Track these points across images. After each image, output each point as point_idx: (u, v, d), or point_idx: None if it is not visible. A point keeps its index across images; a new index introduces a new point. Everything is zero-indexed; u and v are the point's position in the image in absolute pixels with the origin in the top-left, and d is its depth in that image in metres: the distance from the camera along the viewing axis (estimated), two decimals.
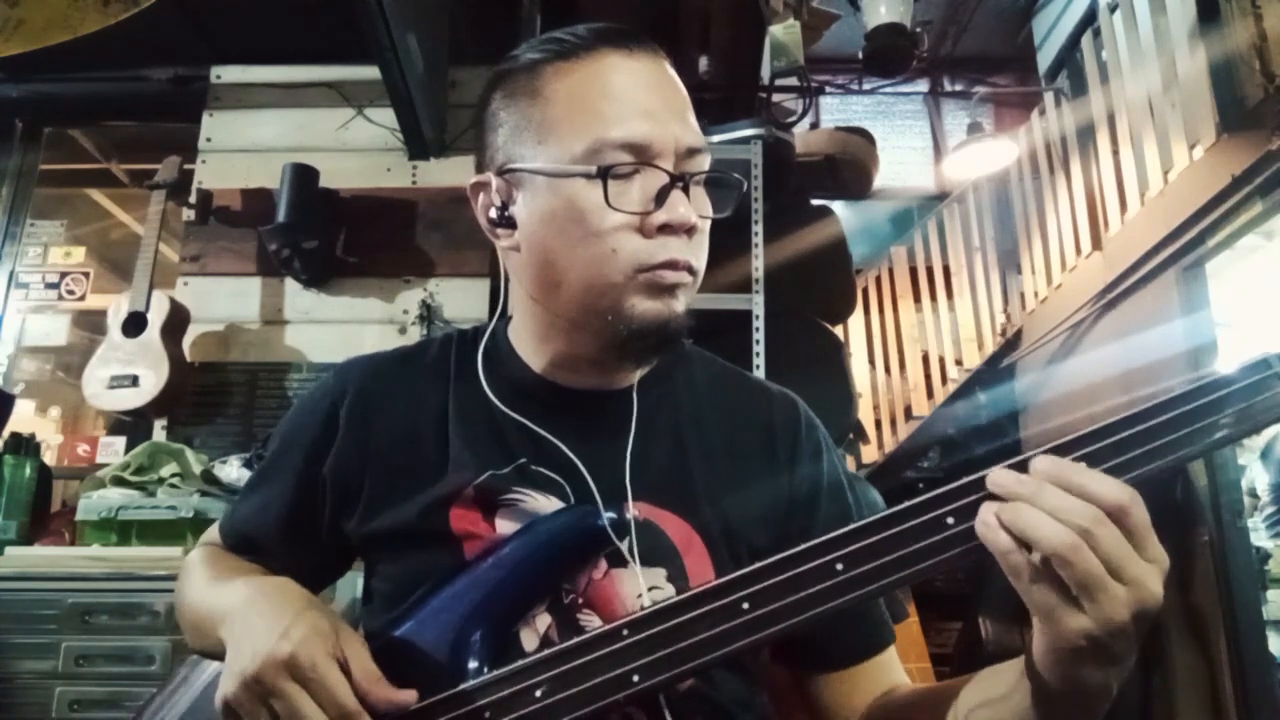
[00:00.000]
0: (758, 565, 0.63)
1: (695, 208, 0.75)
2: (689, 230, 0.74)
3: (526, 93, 0.77)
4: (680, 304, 0.75)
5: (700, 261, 0.77)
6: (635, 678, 0.64)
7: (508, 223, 0.79)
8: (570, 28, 0.78)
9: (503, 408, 0.81)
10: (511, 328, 0.87)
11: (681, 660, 0.63)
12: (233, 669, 0.66)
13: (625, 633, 0.65)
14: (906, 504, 0.61)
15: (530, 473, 0.79)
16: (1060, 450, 0.58)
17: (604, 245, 0.73)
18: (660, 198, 0.73)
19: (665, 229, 0.73)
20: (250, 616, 0.69)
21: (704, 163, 0.77)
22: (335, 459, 0.83)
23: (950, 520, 0.60)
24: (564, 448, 0.79)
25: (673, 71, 0.79)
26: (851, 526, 0.62)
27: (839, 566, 0.61)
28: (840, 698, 0.81)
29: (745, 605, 0.63)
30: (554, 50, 0.76)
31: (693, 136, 0.76)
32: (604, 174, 0.72)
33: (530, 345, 0.84)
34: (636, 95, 0.74)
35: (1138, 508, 0.54)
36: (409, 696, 0.68)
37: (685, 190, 0.74)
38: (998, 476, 0.58)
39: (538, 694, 0.66)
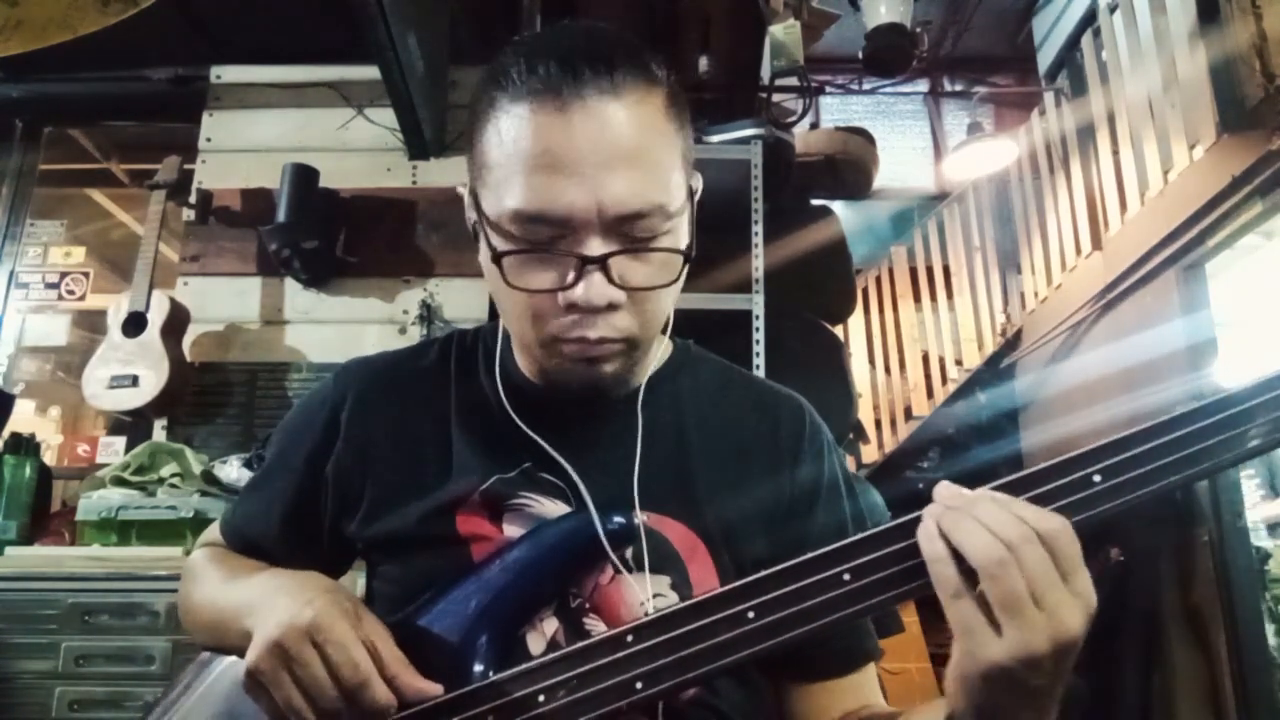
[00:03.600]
0: (764, 573, 0.63)
1: (632, 277, 0.69)
2: (609, 307, 0.69)
3: (484, 120, 0.71)
4: (608, 367, 0.73)
5: (637, 326, 0.72)
6: (639, 684, 0.64)
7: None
8: (548, 44, 0.70)
9: (509, 410, 0.81)
10: None
11: (685, 668, 0.63)
12: (258, 639, 0.66)
13: (630, 639, 0.65)
14: (915, 515, 0.60)
15: (536, 477, 0.79)
16: (1089, 458, 0.58)
17: (521, 313, 0.72)
18: (578, 274, 0.68)
19: (574, 308, 0.69)
20: (278, 597, 0.70)
21: (655, 225, 0.69)
22: (336, 463, 0.83)
23: None
24: (563, 461, 0.78)
25: (649, 110, 0.69)
26: (861, 535, 0.61)
27: (846, 577, 0.61)
28: (814, 710, 0.80)
29: (750, 614, 0.62)
30: (500, 82, 0.70)
31: (635, 200, 0.67)
32: (499, 259, 0.69)
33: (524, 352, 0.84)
34: (565, 162, 0.66)
35: (1068, 537, 0.54)
36: (435, 688, 0.68)
37: (606, 266, 0.68)
38: (942, 488, 0.59)
39: (541, 699, 0.66)
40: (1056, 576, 0.53)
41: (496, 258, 0.69)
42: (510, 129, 0.69)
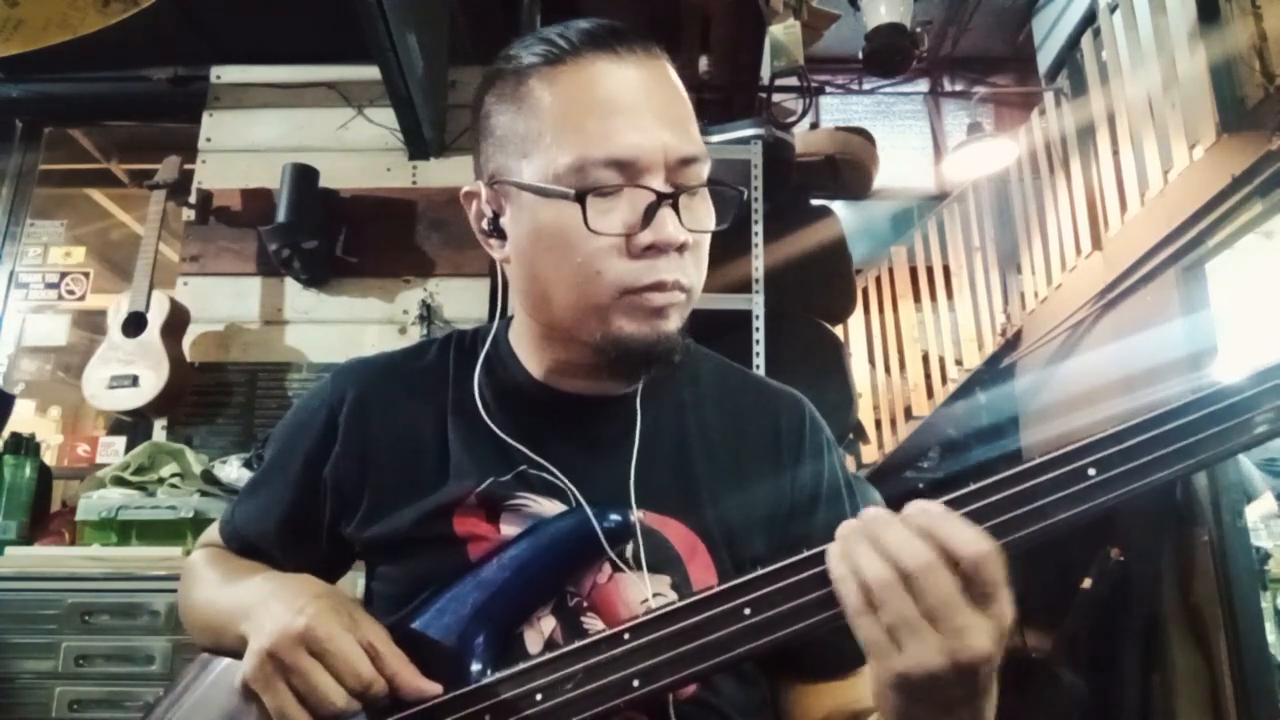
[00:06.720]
0: (761, 571, 0.63)
1: (691, 220, 0.72)
2: (680, 248, 0.71)
3: (513, 100, 0.74)
4: (671, 323, 0.73)
5: (695, 277, 0.74)
6: (636, 682, 0.63)
7: (499, 233, 0.78)
8: (562, 26, 0.74)
9: (491, 426, 0.80)
10: (513, 330, 0.86)
11: (683, 665, 0.63)
12: (252, 648, 0.66)
13: (627, 637, 0.64)
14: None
15: (532, 479, 0.78)
16: (1080, 454, 0.58)
17: (588, 267, 0.71)
18: (648, 216, 0.70)
19: (652, 249, 0.70)
20: (271, 603, 0.69)
21: (701, 172, 0.73)
22: (334, 465, 0.83)
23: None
24: (549, 466, 0.78)
25: (670, 72, 0.75)
26: None
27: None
28: (802, 708, 0.80)
29: (747, 611, 0.62)
30: (541, 55, 0.73)
31: (688, 145, 0.72)
32: (582, 198, 0.69)
33: (529, 350, 0.83)
34: (623, 106, 0.70)
35: (985, 562, 0.53)
36: (435, 687, 0.68)
37: (676, 205, 0.71)
38: (869, 508, 0.59)
39: (538, 697, 0.66)
40: (961, 601, 0.53)
41: (580, 197, 0.69)
42: (563, 86, 0.71)
